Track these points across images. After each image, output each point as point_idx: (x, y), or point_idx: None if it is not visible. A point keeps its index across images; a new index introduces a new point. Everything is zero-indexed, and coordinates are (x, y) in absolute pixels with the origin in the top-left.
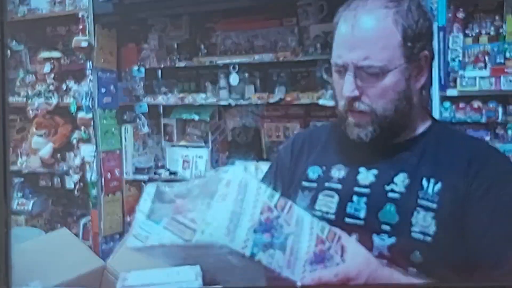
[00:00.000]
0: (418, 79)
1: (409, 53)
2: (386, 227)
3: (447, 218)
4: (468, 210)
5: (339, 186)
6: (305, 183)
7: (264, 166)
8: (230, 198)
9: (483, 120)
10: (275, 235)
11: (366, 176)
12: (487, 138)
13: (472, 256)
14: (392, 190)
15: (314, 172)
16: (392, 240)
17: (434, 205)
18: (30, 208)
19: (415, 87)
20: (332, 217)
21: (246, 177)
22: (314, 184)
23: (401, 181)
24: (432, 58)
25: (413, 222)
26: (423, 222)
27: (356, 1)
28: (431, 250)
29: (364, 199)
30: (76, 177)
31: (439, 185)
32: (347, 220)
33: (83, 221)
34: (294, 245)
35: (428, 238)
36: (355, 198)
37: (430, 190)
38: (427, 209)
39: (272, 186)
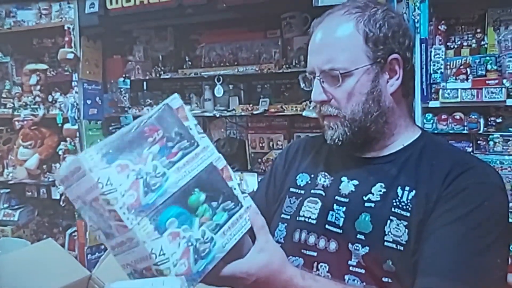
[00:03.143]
0: (391, 83)
1: (373, 55)
2: (360, 237)
3: (418, 227)
4: (431, 213)
5: (322, 193)
6: (292, 189)
7: (249, 177)
8: None
9: (465, 131)
10: None
11: (347, 185)
12: (469, 149)
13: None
14: (369, 200)
15: (302, 179)
16: (366, 249)
17: (407, 214)
18: (16, 218)
19: (387, 91)
20: (314, 222)
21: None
22: (302, 191)
23: (377, 190)
24: (408, 63)
25: (386, 231)
26: (396, 231)
27: (328, 12)
28: (403, 259)
29: (343, 208)
30: (62, 188)
31: (413, 193)
32: (328, 227)
33: (69, 231)
34: None
35: (401, 247)
36: (335, 206)
37: (404, 198)
38: (400, 217)
39: (265, 191)
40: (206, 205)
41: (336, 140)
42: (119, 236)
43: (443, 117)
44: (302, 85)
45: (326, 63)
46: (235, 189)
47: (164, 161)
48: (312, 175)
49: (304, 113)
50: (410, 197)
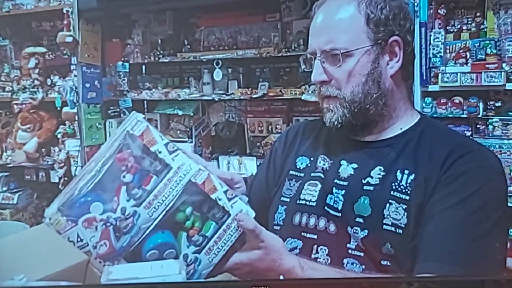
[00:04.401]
0: (391, 65)
1: (374, 37)
2: (359, 220)
3: (417, 210)
4: (431, 197)
5: (322, 175)
6: (292, 172)
7: (248, 161)
8: None
9: (464, 115)
10: None
11: (346, 169)
12: (468, 133)
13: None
14: (368, 183)
15: (302, 162)
16: (365, 232)
17: (407, 197)
18: (15, 202)
19: (387, 73)
20: (314, 204)
21: None
22: (302, 174)
23: (376, 174)
24: (409, 46)
25: (385, 214)
26: (395, 215)
27: None
28: (402, 243)
29: (342, 191)
30: (61, 172)
31: (412, 177)
32: (327, 210)
33: None
34: None
35: (399, 231)
36: (334, 190)
37: (403, 182)
38: (399, 200)
39: (265, 175)
40: (193, 216)
41: (336, 122)
42: None
43: (442, 101)
44: (303, 66)
45: (327, 43)
46: (220, 199)
47: (138, 192)
48: (312, 158)
49: (303, 97)
50: (409, 180)
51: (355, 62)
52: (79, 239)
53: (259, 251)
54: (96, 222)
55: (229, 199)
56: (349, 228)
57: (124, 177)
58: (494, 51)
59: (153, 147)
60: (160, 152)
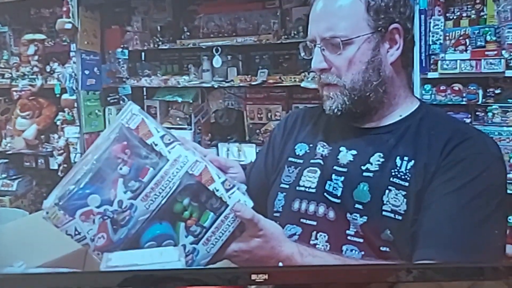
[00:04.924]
0: (391, 53)
1: (374, 24)
2: (358, 206)
3: (417, 196)
4: (431, 183)
5: (321, 162)
6: (291, 159)
7: (247, 148)
8: None
9: (464, 102)
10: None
11: (345, 155)
12: (468, 120)
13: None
14: (367, 170)
15: (301, 149)
16: (364, 219)
17: (406, 183)
18: (14, 189)
19: (387, 60)
20: (313, 191)
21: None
22: (301, 161)
23: (376, 160)
24: (409, 34)
25: (384, 200)
26: (395, 201)
27: None
28: (401, 229)
29: (342, 178)
30: (60, 158)
31: (411, 163)
32: (326, 196)
33: None
34: None
35: (399, 217)
36: (333, 176)
37: (403, 168)
38: (399, 187)
39: (263, 162)
40: (191, 207)
41: (335, 110)
42: None
43: (441, 88)
44: (303, 53)
45: (327, 30)
46: (217, 190)
47: (135, 185)
48: (311, 145)
49: (302, 84)
50: (408, 167)
51: (356, 50)
52: (76, 233)
53: (258, 239)
54: (94, 215)
55: (227, 190)
56: (348, 215)
57: (120, 169)
58: (494, 38)
59: (149, 139)
60: (156, 145)
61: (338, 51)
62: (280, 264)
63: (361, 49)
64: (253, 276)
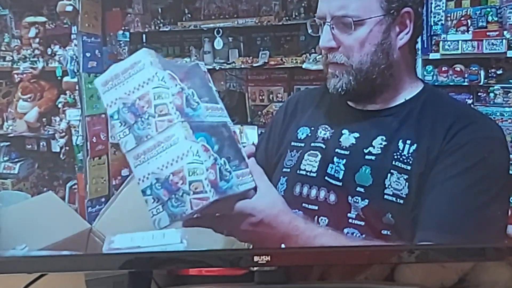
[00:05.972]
0: (401, 37)
1: (387, 6)
2: (360, 189)
3: (419, 180)
4: (433, 167)
5: (322, 145)
6: (293, 143)
7: (249, 130)
8: None
9: (466, 83)
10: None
11: (347, 138)
12: (469, 101)
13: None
14: (370, 153)
15: (303, 132)
16: (365, 202)
17: (408, 167)
18: (16, 171)
19: (396, 44)
20: (314, 175)
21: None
22: (302, 144)
23: (378, 143)
24: (419, 19)
25: (386, 184)
26: (396, 185)
27: None
28: (403, 213)
29: (343, 161)
30: (62, 141)
31: (414, 147)
32: (327, 179)
33: (69, 184)
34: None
35: (400, 201)
36: (335, 159)
37: (405, 152)
38: (401, 170)
39: (265, 147)
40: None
41: (340, 89)
42: (157, 135)
43: (443, 69)
44: (310, 31)
45: (339, 9)
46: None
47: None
48: (313, 128)
49: (304, 66)
50: (411, 150)
51: (367, 31)
52: (197, 154)
53: (268, 196)
54: (210, 153)
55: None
56: (349, 198)
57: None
58: (496, 19)
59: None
60: (213, 90)
61: (348, 31)
62: (283, 245)
63: (372, 31)
64: (256, 258)
